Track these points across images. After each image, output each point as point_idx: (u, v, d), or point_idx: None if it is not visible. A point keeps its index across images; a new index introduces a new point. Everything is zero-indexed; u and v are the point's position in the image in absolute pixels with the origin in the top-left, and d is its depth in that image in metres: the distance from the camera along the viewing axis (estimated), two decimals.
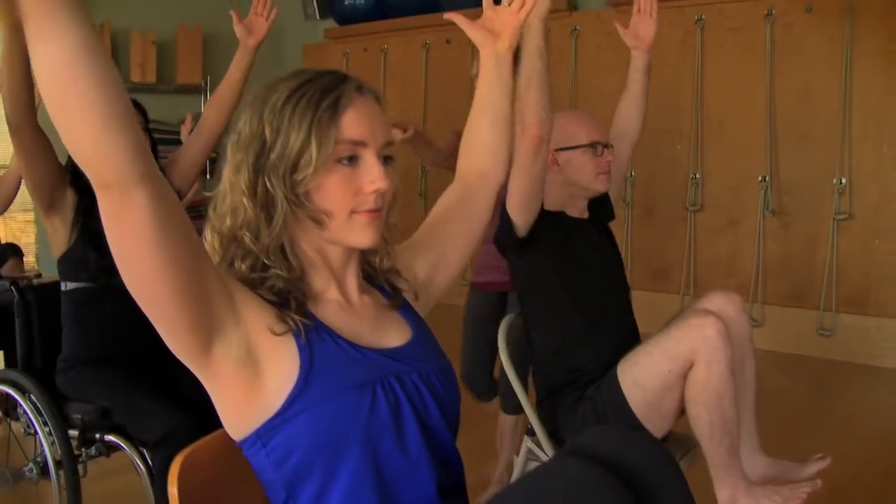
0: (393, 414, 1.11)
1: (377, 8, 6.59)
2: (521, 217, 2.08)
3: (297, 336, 1.08)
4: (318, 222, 1.12)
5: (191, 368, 1.05)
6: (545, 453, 2.16)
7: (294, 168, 1.09)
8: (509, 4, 1.47)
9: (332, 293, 1.18)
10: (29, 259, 5.85)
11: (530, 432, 2.22)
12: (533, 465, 2.25)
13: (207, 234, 1.14)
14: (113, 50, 6.92)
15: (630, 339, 2.19)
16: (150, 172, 0.90)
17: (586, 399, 2.09)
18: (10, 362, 3.29)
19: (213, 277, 1.02)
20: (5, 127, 2.09)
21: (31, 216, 7.31)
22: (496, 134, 1.47)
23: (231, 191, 1.12)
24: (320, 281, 1.17)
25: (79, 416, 2.27)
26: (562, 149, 2.20)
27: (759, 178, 4.96)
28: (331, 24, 7.07)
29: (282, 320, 1.08)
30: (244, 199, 1.10)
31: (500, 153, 1.47)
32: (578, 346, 2.17)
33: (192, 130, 3.51)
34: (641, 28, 2.39)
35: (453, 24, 5.33)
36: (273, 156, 1.09)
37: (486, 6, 1.47)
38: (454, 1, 6.18)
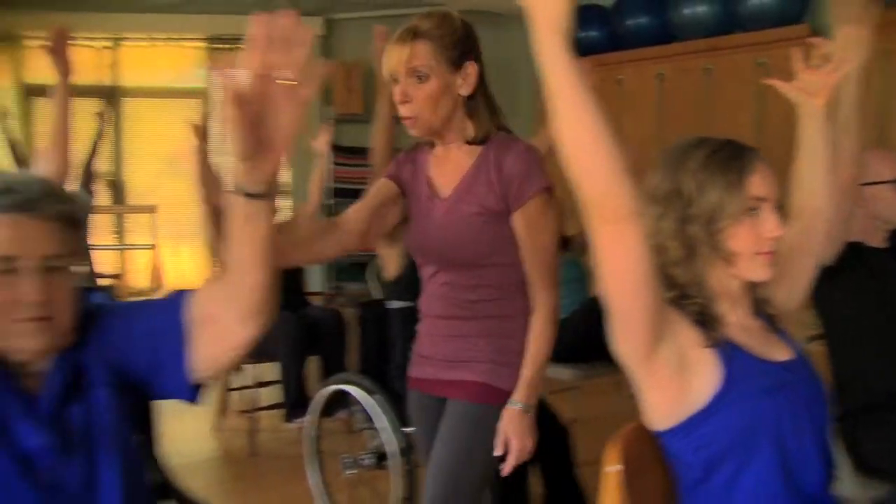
0: (793, 416, 1.35)
1: (610, 39, 6.84)
2: (826, 249, 2.25)
3: (718, 350, 1.35)
4: (729, 262, 1.39)
5: (631, 369, 1.33)
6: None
7: (713, 219, 1.37)
8: (818, 66, 1.67)
9: (733, 317, 1.43)
10: None
11: None
12: None
13: None
14: (366, 85, 7.57)
15: None
16: (638, 209, 1.20)
17: (888, 424, 2.23)
18: (329, 370, 3.80)
19: (661, 297, 1.31)
20: None
21: None
22: (826, 177, 1.68)
23: (655, 234, 1.41)
24: (724, 307, 1.43)
25: None
26: (868, 184, 2.35)
27: None
28: None
29: (705, 337, 1.35)
30: (669, 242, 1.39)
31: (831, 192, 1.69)
32: (876, 370, 2.31)
33: None
34: None
35: (688, 53, 5.55)
36: (694, 209, 1.38)
37: (800, 69, 1.68)
38: (687, 30, 6.35)
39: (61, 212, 1.32)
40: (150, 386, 1.38)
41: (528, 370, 1.86)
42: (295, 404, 3.83)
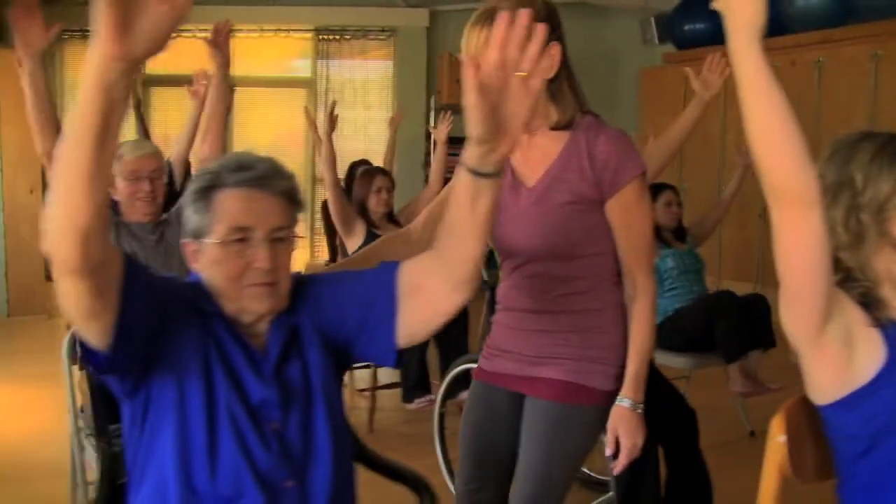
0: None
1: (719, 32, 6.78)
2: None
3: (882, 329, 1.41)
4: (895, 248, 1.44)
5: (797, 342, 1.39)
6: None
7: (882, 209, 1.43)
8: None
9: (894, 301, 1.49)
10: None
11: None
12: None
13: None
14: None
15: None
16: (820, 194, 1.27)
17: None
18: (450, 351, 3.93)
19: (832, 278, 1.37)
20: None
21: None
22: None
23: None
24: (887, 290, 1.49)
25: None
26: None
27: None
28: (669, 48, 7.36)
29: (871, 317, 1.41)
30: (838, 228, 1.45)
31: None
32: None
33: None
34: None
35: (800, 46, 5.52)
36: (863, 198, 1.44)
37: None
38: (798, 21, 6.26)
39: (286, 188, 1.47)
40: (354, 349, 1.51)
41: (633, 364, 1.80)
42: (415, 386, 3.97)
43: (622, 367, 1.84)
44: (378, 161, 5.64)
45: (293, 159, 8.10)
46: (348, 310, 1.49)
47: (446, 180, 4.98)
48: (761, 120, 1.25)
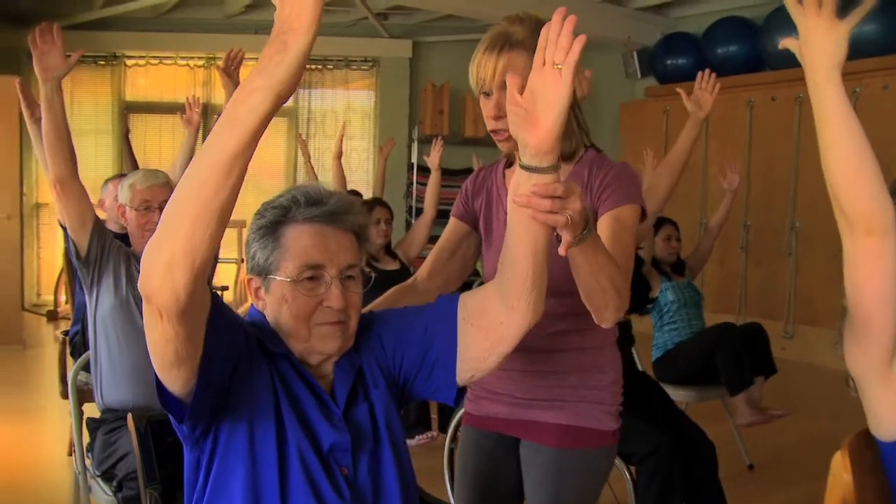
0: None
1: (700, 67, 6.90)
2: None
3: None
4: None
5: (863, 377, 1.38)
6: None
7: None
8: None
9: None
10: None
11: None
12: None
13: None
14: (451, 107, 7.76)
15: None
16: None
17: None
18: None
19: None
20: None
21: None
22: None
23: None
24: None
25: None
26: None
27: None
28: (651, 82, 7.45)
29: None
30: None
31: None
32: None
33: None
34: None
35: (780, 82, 5.77)
36: None
37: None
38: (778, 58, 6.39)
39: (356, 224, 1.41)
40: (414, 385, 1.46)
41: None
42: (415, 423, 3.92)
43: (620, 405, 1.80)
44: (362, 191, 5.62)
45: (274, 188, 8.06)
46: (409, 346, 1.44)
47: (440, 213, 4.96)
48: (840, 148, 1.27)
